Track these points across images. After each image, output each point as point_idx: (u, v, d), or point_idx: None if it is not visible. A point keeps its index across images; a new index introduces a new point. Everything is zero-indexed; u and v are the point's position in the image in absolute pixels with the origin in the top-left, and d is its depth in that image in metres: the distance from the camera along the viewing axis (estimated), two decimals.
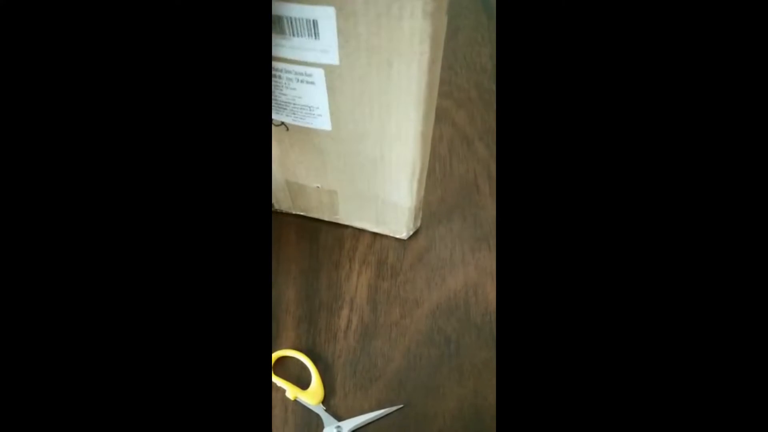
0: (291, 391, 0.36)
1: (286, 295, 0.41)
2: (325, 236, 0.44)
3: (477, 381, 0.36)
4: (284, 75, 0.30)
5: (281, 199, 0.44)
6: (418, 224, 0.44)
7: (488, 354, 0.38)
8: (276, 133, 0.36)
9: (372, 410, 0.35)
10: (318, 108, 0.32)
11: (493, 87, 0.57)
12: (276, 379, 0.36)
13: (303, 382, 0.37)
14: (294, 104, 0.32)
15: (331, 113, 0.32)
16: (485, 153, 0.51)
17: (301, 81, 0.30)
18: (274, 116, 0.34)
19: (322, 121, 0.33)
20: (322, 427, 0.35)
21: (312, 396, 0.36)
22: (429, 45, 0.26)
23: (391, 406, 0.35)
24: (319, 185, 0.40)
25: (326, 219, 0.45)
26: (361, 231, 0.45)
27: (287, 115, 0.33)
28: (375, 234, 0.44)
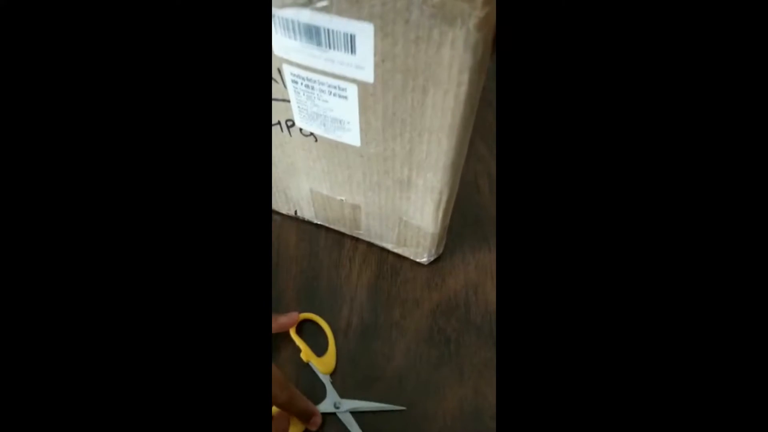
0: (305, 354, 0.37)
1: (286, 295, 0.41)
2: (325, 236, 0.44)
3: (477, 381, 0.36)
4: (317, 86, 0.30)
5: (304, 207, 0.44)
6: (441, 250, 0.43)
7: (488, 354, 0.37)
8: (304, 142, 0.36)
9: (372, 411, 0.35)
10: (349, 123, 0.31)
11: (493, 86, 0.57)
12: (294, 338, 0.37)
13: (318, 349, 0.37)
14: (325, 116, 0.32)
15: (362, 130, 0.32)
16: (485, 153, 0.51)
17: (334, 94, 0.30)
18: (304, 126, 0.34)
19: (352, 137, 0.33)
20: (324, 398, 0.35)
21: (323, 365, 0.37)
22: (468, 77, 0.25)
23: (394, 405, 0.35)
24: (343, 198, 0.40)
25: (348, 233, 0.44)
26: None
27: (317, 126, 0.33)
28: None
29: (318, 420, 0.33)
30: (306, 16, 0.25)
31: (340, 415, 0.34)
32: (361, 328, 0.39)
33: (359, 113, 0.30)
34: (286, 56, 0.29)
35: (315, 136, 0.34)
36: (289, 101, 0.32)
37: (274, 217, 0.46)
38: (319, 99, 0.31)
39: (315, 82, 0.29)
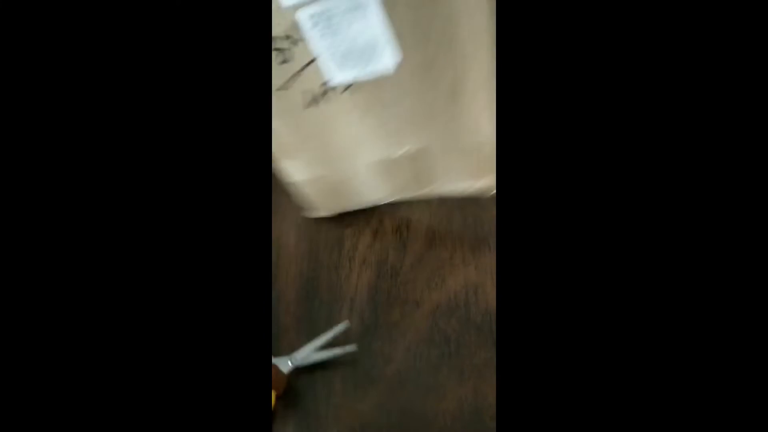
0: None
1: (286, 295, 0.41)
2: (325, 236, 0.44)
3: (477, 381, 0.36)
4: (338, 13, 0.29)
5: (366, 191, 0.42)
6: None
7: (488, 354, 0.37)
8: (344, 105, 0.34)
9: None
10: (379, 43, 0.30)
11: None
12: None
13: None
14: (355, 47, 0.30)
15: (394, 44, 0.30)
16: None
17: (354, 13, 0.29)
18: (340, 75, 0.33)
19: (387, 59, 0.31)
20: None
21: None
22: None
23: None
24: (407, 148, 0.38)
25: (421, 193, 0.43)
26: (361, 231, 0.44)
27: (352, 67, 0.32)
28: (375, 234, 0.44)
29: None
30: None
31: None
32: (361, 328, 0.39)
33: (385, 25, 0.29)
34: (298, 1, 0.28)
35: (352, 89, 0.33)
36: (314, 60, 0.31)
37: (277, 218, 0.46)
38: (344, 27, 0.29)
39: (334, 9, 0.29)
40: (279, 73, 0.34)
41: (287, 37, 0.32)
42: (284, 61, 0.33)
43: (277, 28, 0.32)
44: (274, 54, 0.33)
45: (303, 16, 0.29)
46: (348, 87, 0.33)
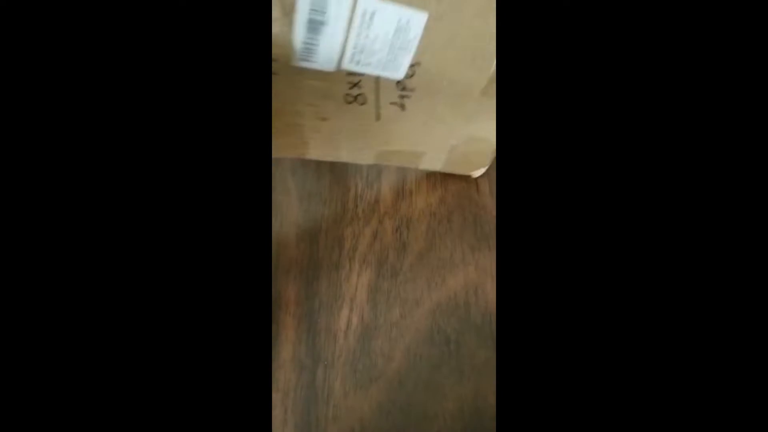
0: None
1: (286, 295, 0.41)
2: (325, 236, 0.44)
3: (477, 381, 0.36)
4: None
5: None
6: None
7: (488, 354, 0.38)
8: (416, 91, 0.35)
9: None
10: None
11: None
12: None
13: None
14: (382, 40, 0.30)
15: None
16: None
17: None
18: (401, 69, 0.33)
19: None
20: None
21: None
22: None
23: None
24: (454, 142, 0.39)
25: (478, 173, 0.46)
26: (361, 231, 0.44)
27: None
28: (375, 234, 0.44)
29: None
30: None
31: None
32: (361, 328, 0.39)
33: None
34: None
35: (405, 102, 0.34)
36: (378, 78, 0.32)
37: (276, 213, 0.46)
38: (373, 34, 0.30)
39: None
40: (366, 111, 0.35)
41: (352, 85, 0.33)
42: (363, 104, 0.35)
43: (341, 84, 0.33)
44: (353, 105, 0.35)
45: (350, 65, 0.30)
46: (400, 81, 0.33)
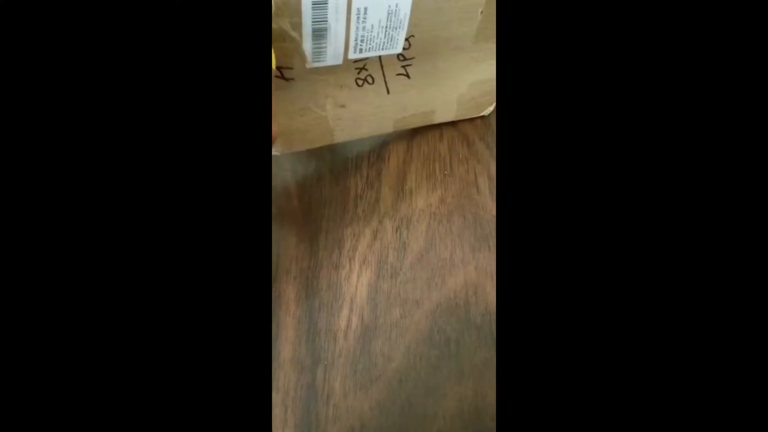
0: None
1: (286, 294, 0.41)
2: (325, 236, 0.44)
3: (477, 381, 0.36)
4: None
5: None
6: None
7: (488, 354, 0.38)
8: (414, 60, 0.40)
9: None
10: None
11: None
12: None
13: None
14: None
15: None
16: (485, 153, 0.51)
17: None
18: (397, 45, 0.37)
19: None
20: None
21: None
22: None
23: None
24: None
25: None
26: (361, 231, 0.44)
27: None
28: (375, 234, 0.44)
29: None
30: None
31: None
32: (361, 328, 0.39)
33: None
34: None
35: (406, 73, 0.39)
36: (381, 57, 0.37)
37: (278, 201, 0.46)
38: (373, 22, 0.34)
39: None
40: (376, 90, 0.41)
41: (359, 70, 0.37)
42: (373, 83, 0.40)
43: (350, 72, 0.38)
44: (364, 86, 0.40)
45: (354, 55, 0.34)
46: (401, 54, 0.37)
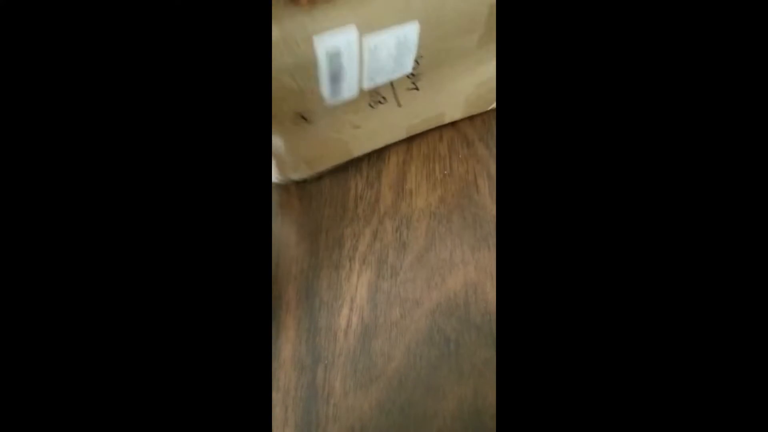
0: None
1: (286, 295, 0.41)
2: (325, 236, 0.45)
3: (477, 381, 0.36)
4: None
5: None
6: None
7: (488, 354, 0.38)
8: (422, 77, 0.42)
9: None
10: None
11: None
12: None
13: None
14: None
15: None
16: (485, 153, 0.51)
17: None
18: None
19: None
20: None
21: None
22: None
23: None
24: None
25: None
26: (361, 231, 0.45)
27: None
28: (375, 234, 0.44)
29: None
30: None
31: None
32: (361, 327, 0.39)
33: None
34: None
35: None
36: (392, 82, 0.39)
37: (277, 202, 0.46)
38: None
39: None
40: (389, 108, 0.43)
41: (373, 95, 0.39)
42: (385, 102, 0.41)
43: (364, 99, 0.39)
44: (377, 106, 0.41)
45: (368, 85, 0.35)
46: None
